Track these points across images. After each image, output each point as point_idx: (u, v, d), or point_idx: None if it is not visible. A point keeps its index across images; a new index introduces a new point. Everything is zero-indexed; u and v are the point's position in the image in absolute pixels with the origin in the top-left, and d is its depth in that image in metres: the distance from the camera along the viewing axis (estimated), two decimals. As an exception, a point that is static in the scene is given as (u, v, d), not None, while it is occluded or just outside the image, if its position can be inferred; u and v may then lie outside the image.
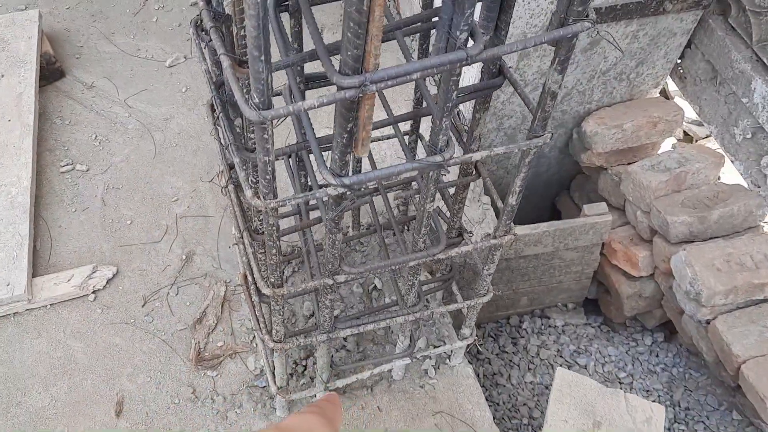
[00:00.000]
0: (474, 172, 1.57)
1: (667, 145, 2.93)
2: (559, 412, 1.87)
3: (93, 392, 1.88)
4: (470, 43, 0.99)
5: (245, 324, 2.03)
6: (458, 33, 0.97)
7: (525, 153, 1.27)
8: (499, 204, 1.54)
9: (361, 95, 0.96)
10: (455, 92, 1.08)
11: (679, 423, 2.39)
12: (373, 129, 1.59)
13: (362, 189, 1.77)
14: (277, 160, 1.66)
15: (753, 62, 2.27)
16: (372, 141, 1.94)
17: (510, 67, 2.33)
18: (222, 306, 2.06)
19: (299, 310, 2.03)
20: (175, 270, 2.15)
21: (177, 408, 1.87)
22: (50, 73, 2.70)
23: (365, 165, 2.23)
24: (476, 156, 1.23)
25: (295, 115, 1.33)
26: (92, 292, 2.06)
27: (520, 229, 2.39)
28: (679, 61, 2.60)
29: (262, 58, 0.87)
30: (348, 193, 1.16)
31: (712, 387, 2.45)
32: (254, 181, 1.24)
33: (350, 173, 1.97)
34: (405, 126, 1.81)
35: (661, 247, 2.36)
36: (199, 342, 1.98)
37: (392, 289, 2.10)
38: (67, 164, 2.41)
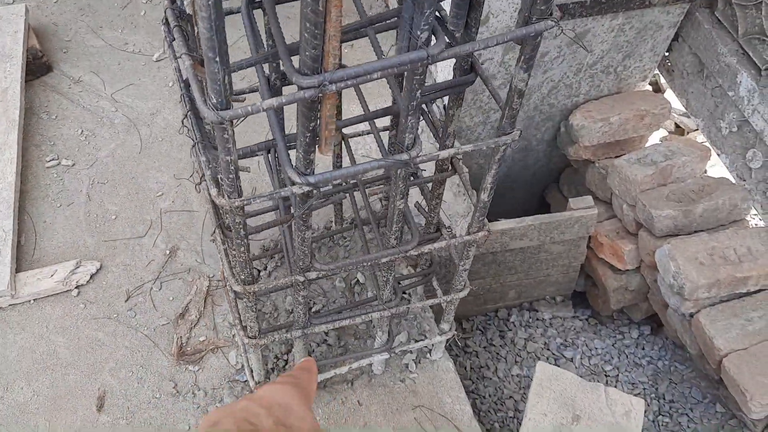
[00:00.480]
0: (450, 168, 1.57)
1: (655, 138, 2.92)
2: (538, 405, 1.88)
3: (75, 387, 1.89)
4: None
5: (227, 319, 2.03)
6: (419, 32, 0.97)
7: (494, 150, 1.26)
8: (483, 197, 1.54)
9: (320, 95, 0.96)
10: (419, 91, 1.08)
11: (663, 415, 2.40)
12: (353, 124, 1.60)
13: (332, 185, 1.77)
14: (255, 156, 1.66)
15: (739, 56, 2.27)
16: (355, 136, 1.95)
17: (490, 60, 2.33)
18: (204, 301, 2.07)
19: (281, 304, 2.04)
20: (159, 265, 2.15)
21: (158, 402, 1.88)
22: (37, 67, 2.69)
23: (345, 161, 2.23)
24: (443, 154, 1.23)
25: (269, 112, 1.32)
26: (75, 287, 2.07)
27: (505, 223, 2.39)
28: (666, 54, 2.59)
29: (217, 59, 0.87)
30: (314, 191, 1.16)
31: (696, 380, 2.45)
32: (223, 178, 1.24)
33: (331, 167, 1.97)
34: (387, 121, 1.81)
35: (646, 240, 2.37)
36: (181, 337, 1.99)
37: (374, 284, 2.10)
38: (53, 159, 2.41)
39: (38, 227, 2.21)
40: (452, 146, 1.47)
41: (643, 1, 2.26)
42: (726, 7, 2.30)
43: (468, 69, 1.35)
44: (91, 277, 2.09)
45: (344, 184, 1.86)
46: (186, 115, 1.22)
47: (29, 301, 2.04)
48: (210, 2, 0.81)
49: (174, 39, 1.06)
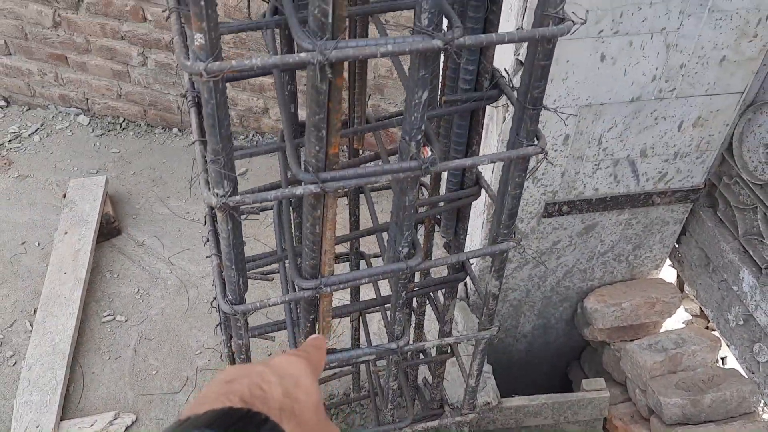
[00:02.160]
0: (449, 350, 1.73)
1: (677, 322, 3.02)
2: None
3: None
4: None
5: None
6: (400, 248, 1.19)
7: (478, 342, 1.44)
8: (471, 382, 1.69)
9: (318, 294, 1.18)
10: (404, 292, 1.29)
11: None
12: (363, 309, 1.80)
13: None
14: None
15: (740, 253, 2.42)
16: (372, 312, 2.14)
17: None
18: (226, 459, 2.20)
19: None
20: (189, 421, 2.32)
21: None
22: (108, 231, 3.06)
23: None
24: (428, 344, 1.41)
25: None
26: (111, 438, 2.25)
27: (519, 400, 2.49)
28: (677, 245, 2.76)
29: (233, 267, 1.11)
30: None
31: None
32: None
33: (350, 340, 2.14)
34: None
35: (657, 427, 2.41)
36: (200, 493, 2.11)
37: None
38: (109, 314, 2.69)
39: (86, 378, 2.44)
40: (449, 332, 1.65)
41: (646, 201, 2.47)
42: (727, 208, 2.48)
43: (460, 267, 1.56)
44: (126, 430, 2.27)
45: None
46: (215, 298, 1.46)
47: (68, 448, 2.22)
48: (229, 227, 1.05)
49: (208, 240, 1.32)
